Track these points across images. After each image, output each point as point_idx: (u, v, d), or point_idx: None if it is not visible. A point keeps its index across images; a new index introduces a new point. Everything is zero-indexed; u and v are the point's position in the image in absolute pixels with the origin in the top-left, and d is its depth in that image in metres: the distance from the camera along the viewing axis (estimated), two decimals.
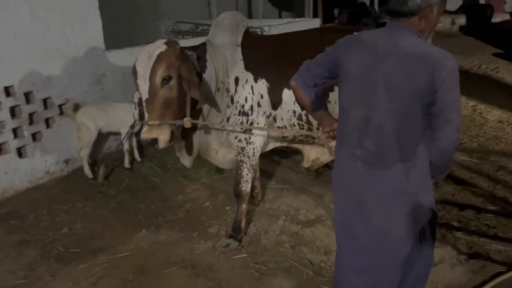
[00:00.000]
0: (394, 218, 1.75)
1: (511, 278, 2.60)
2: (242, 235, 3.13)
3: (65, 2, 4.27)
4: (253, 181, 3.29)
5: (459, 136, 5.01)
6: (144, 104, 2.49)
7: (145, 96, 2.48)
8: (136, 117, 4.37)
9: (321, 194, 3.77)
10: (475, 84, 7.53)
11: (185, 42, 5.92)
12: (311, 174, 4.19)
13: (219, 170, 4.36)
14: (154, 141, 2.48)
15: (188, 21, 10.63)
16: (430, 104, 1.63)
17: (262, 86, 2.96)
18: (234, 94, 2.92)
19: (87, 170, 4.29)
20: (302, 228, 3.27)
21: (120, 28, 8.78)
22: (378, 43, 1.71)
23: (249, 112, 2.94)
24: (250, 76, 2.95)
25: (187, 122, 2.60)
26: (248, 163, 3.02)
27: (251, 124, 2.95)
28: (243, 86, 2.93)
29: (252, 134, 2.98)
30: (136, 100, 4.32)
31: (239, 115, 2.94)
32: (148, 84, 2.46)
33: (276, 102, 2.99)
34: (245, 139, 2.99)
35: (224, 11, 3.10)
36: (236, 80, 2.93)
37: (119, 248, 3.15)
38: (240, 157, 3.02)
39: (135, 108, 4.34)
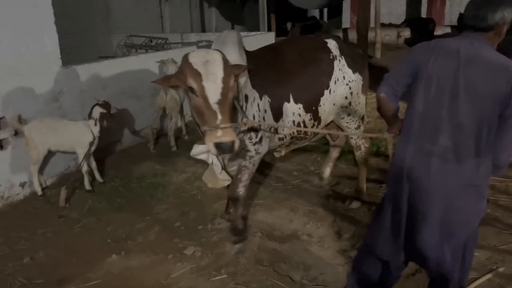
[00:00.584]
0: (463, 206, 1.99)
1: (490, 281, 2.71)
2: (245, 235, 3.28)
3: (18, 17, 4.04)
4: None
5: None
6: (215, 106, 2.35)
7: (216, 98, 2.36)
8: (97, 134, 4.19)
9: (294, 208, 3.77)
10: None
11: (155, 56, 5.79)
12: (283, 189, 4.18)
13: (187, 188, 4.27)
14: (233, 144, 2.34)
15: (141, 34, 10.45)
16: (504, 109, 1.87)
17: (265, 102, 3.04)
18: (245, 111, 2.89)
19: (36, 186, 4.11)
20: (279, 244, 3.24)
21: (71, 43, 8.45)
22: (461, 51, 1.93)
23: (258, 127, 2.99)
24: (256, 94, 2.99)
25: (249, 122, 2.68)
26: (250, 169, 3.11)
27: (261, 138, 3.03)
28: (251, 104, 2.95)
29: (261, 145, 3.04)
30: (97, 115, 4.15)
31: (248, 131, 2.94)
32: (221, 85, 2.37)
33: (277, 115, 3.11)
34: (255, 149, 3.03)
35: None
36: (246, 97, 2.93)
37: (89, 276, 2.97)
38: (246, 163, 3.07)
39: (95, 125, 4.16)
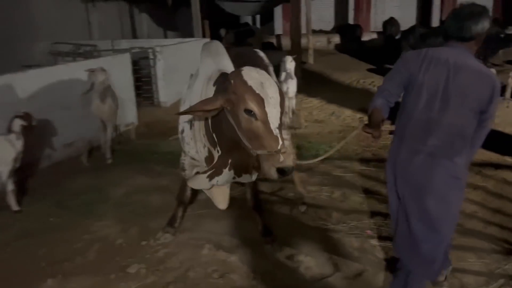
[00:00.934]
0: (451, 195, 2.28)
1: None
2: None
3: None
4: None
5: (354, 147, 5.41)
6: (276, 131, 2.20)
7: (276, 123, 2.22)
8: (20, 148, 3.87)
9: (242, 216, 3.72)
10: (357, 98, 8.22)
11: (85, 64, 5.46)
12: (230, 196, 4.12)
13: (127, 202, 4.08)
14: (293, 168, 2.24)
15: (68, 41, 9.92)
16: (482, 113, 2.16)
17: None
18: None
19: None
20: (229, 254, 3.18)
21: None
22: (450, 60, 2.17)
23: None
24: None
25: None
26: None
27: None
28: None
29: None
30: (17, 128, 3.84)
31: None
32: (280, 110, 2.25)
33: None
34: None
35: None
36: None
37: None
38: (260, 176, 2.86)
39: (18, 139, 3.85)
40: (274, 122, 2.24)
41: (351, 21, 19.23)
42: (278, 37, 17.23)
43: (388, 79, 2.40)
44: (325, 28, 19.99)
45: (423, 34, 10.72)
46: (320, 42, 16.68)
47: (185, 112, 2.44)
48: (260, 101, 2.22)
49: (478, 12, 2.17)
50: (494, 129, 6.15)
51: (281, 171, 2.19)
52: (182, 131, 2.97)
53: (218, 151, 2.68)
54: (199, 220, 3.70)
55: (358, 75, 11.26)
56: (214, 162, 2.72)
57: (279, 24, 18.89)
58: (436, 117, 2.20)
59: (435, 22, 18.51)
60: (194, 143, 2.87)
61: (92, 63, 5.61)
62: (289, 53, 8.98)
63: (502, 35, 10.20)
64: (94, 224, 3.73)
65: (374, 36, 16.90)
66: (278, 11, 18.61)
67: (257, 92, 2.23)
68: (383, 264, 3.02)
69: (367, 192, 4.17)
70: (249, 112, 2.22)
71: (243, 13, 15.09)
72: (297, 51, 10.26)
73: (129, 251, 3.30)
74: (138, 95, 7.59)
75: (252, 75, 2.28)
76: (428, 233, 2.33)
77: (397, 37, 14.52)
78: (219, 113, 2.36)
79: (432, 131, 2.21)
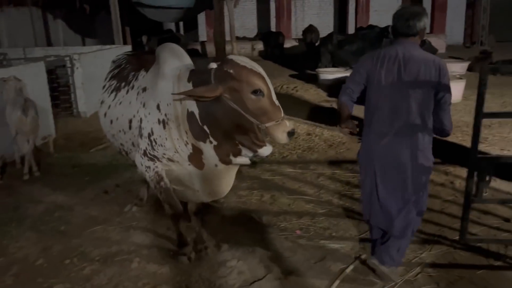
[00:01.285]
0: (419, 165, 2.63)
1: (355, 270, 2.99)
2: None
3: None
4: None
5: (281, 151, 5.55)
6: (277, 102, 2.55)
7: (274, 95, 2.56)
8: None
9: (170, 226, 3.64)
10: (282, 103, 8.44)
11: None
12: (156, 210, 4.02)
13: (46, 220, 3.83)
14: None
15: None
16: (436, 93, 2.54)
17: None
18: None
19: None
20: (159, 266, 3.10)
21: None
22: (399, 54, 2.58)
23: None
24: None
25: None
26: None
27: None
28: None
29: None
30: None
31: None
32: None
33: None
34: None
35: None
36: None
37: None
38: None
39: None
40: (273, 94, 2.56)
41: (273, 28, 19.73)
42: (203, 43, 17.21)
43: (349, 79, 2.80)
44: (249, 35, 20.33)
45: (340, 40, 11.30)
46: (244, 48, 16.93)
47: (185, 93, 2.56)
48: (263, 80, 2.52)
49: (419, 11, 2.59)
50: None
51: (291, 133, 2.55)
52: (150, 134, 2.83)
53: (211, 142, 2.71)
54: (126, 233, 3.58)
55: (282, 81, 11.57)
56: (213, 153, 2.74)
57: (203, 31, 18.87)
58: (397, 103, 2.59)
59: (351, 29, 19.56)
60: (171, 143, 2.78)
61: (3, 72, 5.22)
62: (215, 60, 8.99)
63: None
64: (10, 245, 3.47)
65: (296, 43, 17.49)
66: (201, 18, 18.59)
67: (257, 71, 2.52)
68: (312, 262, 3.12)
69: (295, 193, 4.30)
70: (256, 92, 2.48)
71: (165, 19, 14.88)
72: (222, 58, 10.33)
73: (52, 271, 3.10)
74: (56, 105, 7.18)
75: (244, 60, 2.55)
76: (401, 203, 2.70)
77: (317, 43, 15.18)
78: (211, 105, 2.55)
79: (396, 115, 2.60)
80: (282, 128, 2.51)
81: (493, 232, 3.44)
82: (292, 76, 12.38)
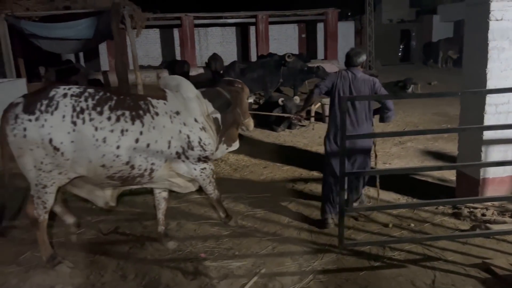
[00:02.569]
0: (364, 145, 4.16)
1: (255, 284, 3.21)
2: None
3: None
4: None
5: None
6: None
7: None
8: None
9: (75, 263, 3.59)
10: None
11: None
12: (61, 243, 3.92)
13: None
14: None
15: None
16: (375, 92, 4.09)
17: None
18: None
19: None
20: None
21: None
22: (349, 76, 4.12)
23: None
24: None
25: None
26: None
27: None
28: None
29: None
30: None
31: None
32: None
33: None
34: None
35: None
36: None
37: None
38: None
39: None
40: None
41: (178, 56, 19.95)
42: (105, 73, 16.83)
43: (322, 82, 4.23)
44: (153, 64, 20.30)
45: (243, 69, 11.84)
46: (149, 77, 16.88)
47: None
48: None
49: (360, 52, 4.21)
50: (303, 149, 7.14)
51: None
52: (200, 141, 3.66)
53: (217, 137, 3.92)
54: (26, 275, 3.44)
55: None
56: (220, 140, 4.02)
57: (105, 60, 18.47)
58: (350, 106, 4.06)
59: (253, 57, 20.47)
60: (212, 141, 3.80)
61: None
62: (117, 89, 8.87)
63: (306, 68, 11.94)
64: None
65: (201, 71, 17.85)
66: (103, 47, 18.21)
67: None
68: (215, 281, 3.29)
69: (201, 218, 4.46)
70: (247, 98, 4.22)
71: (63, 51, 14.32)
72: (125, 88, 10.26)
73: None
74: None
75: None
76: (357, 168, 4.18)
77: (222, 71, 15.66)
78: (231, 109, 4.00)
79: (352, 112, 4.07)
80: (252, 121, 4.33)
81: (374, 236, 3.92)
82: None
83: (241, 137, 7.96)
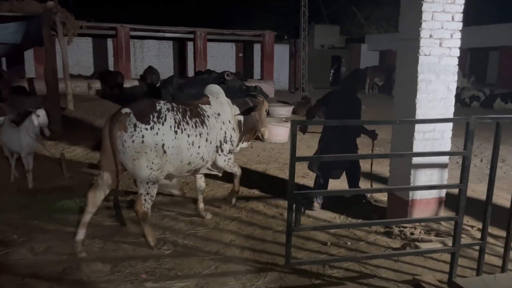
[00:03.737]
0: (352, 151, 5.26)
1: None
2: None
3: None
4: None
5: (126, 195, 5.49)
6: None
7: None
8: None
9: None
10: None
11: None
12: None
13: None
14: None
15: None
16: (358, 114, 5.32)
17: None
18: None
19: None
20: None
21: None
22: (339, 94, 5.35)
23: None
24: None
25: None
26: None
27: None
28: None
29: None
30: None
31: None
32: None
33: None
34: None
35: None
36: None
37: None
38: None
39: None
40: None
41: (111, 67, 19.32)
42: (30, 80, 15.83)
43: (321, 99, 5.39)
44: (85, 73, 19.49)
45: (181, 84, 11.77)
46: (80, 87, 16.18)
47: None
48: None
49: (355, 74, 5.87)
50: (242, 166, 7.22)
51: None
52: (231, 137, 4.64)
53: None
54: None
55: None
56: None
57: (31, 67, 17.41)
58: (339, 118, 4.87)
59: (190, 73, 20.40)
60: (237, 139, 4.84)
61: None
62: (45, 97, 8.36)
63: (244, 87, 12.15)
64: None
65: (136, 83, 17.44)
66: (29, 53, 17.17)
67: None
68: None
69: (140, 237, 4.31)
70: (266, 111, 5.29)
71: None
72: (55, 97, 9.74)
73: None
74: None
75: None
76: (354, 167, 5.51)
77: (157, 85, 15.41)
78: (248, 117, 4.89)
79: (339, 126, 5.14)
80: (267, 131, 5.38)
81: (314, 254, 4.05)
82: None
83: None
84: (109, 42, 20.75)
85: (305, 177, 6.44)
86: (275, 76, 21.06)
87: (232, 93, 12.13)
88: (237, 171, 4.91)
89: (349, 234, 4.51)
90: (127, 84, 16.88)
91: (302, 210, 3.77)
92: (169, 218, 4.85)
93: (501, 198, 5.64)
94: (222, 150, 4.53)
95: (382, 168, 7.10)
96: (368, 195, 5.62)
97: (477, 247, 3.47)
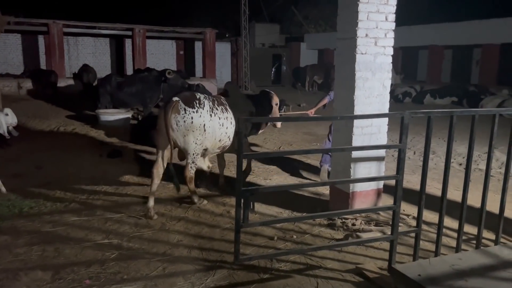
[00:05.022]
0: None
1: None
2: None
3: None
4: None
5: (64, 197, 5.25)
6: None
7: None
8: None
9: None
10: (61, 145, 7.97)
11: None
12: None
13: None
14: None
15: None
16: None
17: None
18: None
19: None
20: None
21: None
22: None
23: None
24: None
25: None
26: None
27: None
28: None
29: None
30: None
31: None
32: None
33: None
34: None
35: None
36: None
37: None
38: None
39: None
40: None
41: (43, 66, 18.31)
42: None
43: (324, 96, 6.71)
44: (14, 72, 18.30)
45: (120, 82, 11.40)
46: (9, 87, 15.19)
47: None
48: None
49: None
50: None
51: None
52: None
53: None
54: None
55: (58, 122, 10.91)
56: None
57: None
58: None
59: (129, 71, 19.81)
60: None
61: None
62: None
63: (186, 85, 12.00)
64: None
65: (71, 82, 16.66)
66: None
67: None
68: None
69: (82, 242, 4.16)
70: (276, 104, 5.92)
71: None
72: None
73: None
74: None
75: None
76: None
77: (94, 83, 14.81)
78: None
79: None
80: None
81: (262, 250, 4.12)
82: (69, 117, 11.76)
83: (119, 154, 7.66)
84: (41, 39, 19.61)
85: (251, 174, 6.51)
86: (217, 74, 21.00)
87: (174, 92, 11.99)
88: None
89: (294, 228, 4.63)
90: (61, 83, 16.06)
91: (251, 206, 3.79)
92: (112, 221, 4.70)
93: (432, 187, 6.05)
94: (237, 133, 5.49)
95: None
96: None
97: (413, 234, 3.70)
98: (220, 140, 5.27)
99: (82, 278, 3.51)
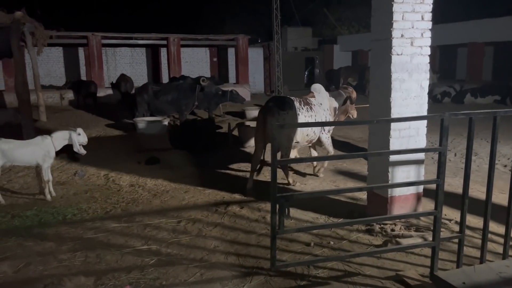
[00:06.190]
0: None
1: None
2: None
3: None
4: None
5: (104, 205, 5.41)
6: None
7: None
8: None
9: None
10: (100, 154, 8.22)
11: None
12: None
13: None
14: None
15: None
16: None
17: None
18: None
19: None
20: None
21: None
22: None
23: None
24: None
25: None
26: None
27: None
28: None
29: None
30: None
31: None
32: None
33: None
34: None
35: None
36: None
37: None
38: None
39: None
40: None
41: (83, 76, 19.00)
42: (0, 93, 15.41)
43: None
44: (56, 84, 19.11)
45: (156, 91, 11.66)
46: (52, 98, 15.85)
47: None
48: None
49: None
50: (223, 172, 7.16)
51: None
52: (329, 119, 6.65)
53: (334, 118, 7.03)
54: None
55: (98, 131, 11.24)
56: None
57: (0, 79, 16.92)
58: None
59: (164, 79, 20.22)
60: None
61: None
62: (18, 110, 8.10)
63: (220, 92, 12.13)
64: None
65: (110, 91, 17.20)
66: None
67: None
68: None
69: (122, 248, 4.26)
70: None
71: None
72: (27, 110, 9.50)
73: None
74: None
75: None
76: None
77: (132, 92, 15.22)
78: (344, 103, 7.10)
79: None
80: (355, 112, 7.27)
81: (298, 256, 4.08)
82: (108, 126, 12.11)
83: (157, 160, 7.81)
84: (81, 51, 20.39)
85: (285, 179, 6.47)
86: (250, 79, 21.11)
87: (208, 98, 12.14)
88: (331, 150, 6.76)
89: (331, 234, 4.56)
90: (100, 93, 16.62)
91: (286, 212, 3.76)
92: (151, 227, 4.79)
93: (475, 190, 5.81)
94: (324, 130, 6.55)
95: (360, 166, 7.20)
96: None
97: (456, 240, 3.56)
98: (307, 135, 6.29)
99: (123, 284, 3.59)
